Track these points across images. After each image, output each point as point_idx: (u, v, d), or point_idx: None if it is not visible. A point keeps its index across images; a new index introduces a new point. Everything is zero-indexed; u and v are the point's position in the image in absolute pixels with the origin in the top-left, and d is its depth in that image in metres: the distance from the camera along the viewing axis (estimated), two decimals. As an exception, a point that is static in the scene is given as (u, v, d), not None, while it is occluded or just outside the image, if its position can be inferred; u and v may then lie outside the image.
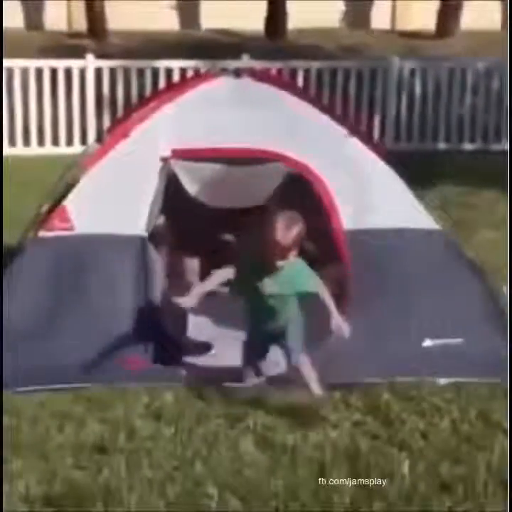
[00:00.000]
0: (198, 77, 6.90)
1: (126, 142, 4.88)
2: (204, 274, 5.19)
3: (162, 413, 4.08)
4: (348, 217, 4.76)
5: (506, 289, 5.21)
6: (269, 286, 4.21)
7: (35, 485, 3.51)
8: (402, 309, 4.69)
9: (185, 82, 7.01)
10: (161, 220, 5.12)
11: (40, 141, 10.43)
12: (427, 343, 4.63)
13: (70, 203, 4.77)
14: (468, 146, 10.80)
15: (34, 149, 10.40)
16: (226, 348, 4.72)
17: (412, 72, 10.86)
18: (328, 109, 5.37)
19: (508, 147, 9.91)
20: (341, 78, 10.66)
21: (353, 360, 4.47)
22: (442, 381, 4.42)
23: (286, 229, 4.08)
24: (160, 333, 4.60)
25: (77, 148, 10.18)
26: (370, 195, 4.85)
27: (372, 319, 4.61)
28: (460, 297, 4.77)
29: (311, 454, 3.76)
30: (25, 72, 10.34)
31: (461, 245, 5.12)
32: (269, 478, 3.57)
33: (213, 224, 5.67)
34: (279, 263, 4.14)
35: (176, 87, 6.02)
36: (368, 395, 4.29)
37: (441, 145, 10.79)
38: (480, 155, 10.38)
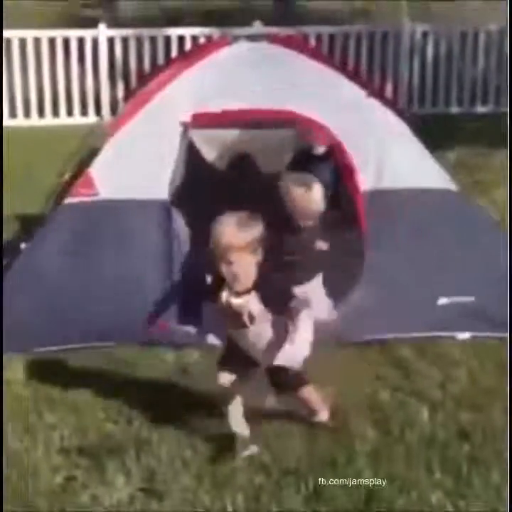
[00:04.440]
0: (214, 43, 6.93)
1: (147, 109, 4.96)
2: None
3: (188, 370, 4.21)
4: (366, 177, 4.82)
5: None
6: None
7: (70, 437, 3.68)
8: (419, 268, 4.74)
9: (202, 48, 7.02)
10: (182, 185, 5.19)
11: (55, 112, 10.49)
12: (442, 301, 4.69)
13: (93, 169, 4.85)
14: (480, 109, 10.80)
15: (49, 120, 10.46)
16: None
17: (425, 36, 10.85)
18: (344, 71, 5.42)
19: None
20: (353, 43, 10.66)
21: (369, 318, 4.55)
22: (460, 336, 4.53)
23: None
24: (183, 299, 4.62)
25: (91, 118, 10.27)
26: (388, 155, 4.90)
27: (389, 278, 4.67)
28: (477, 256, 4.81)
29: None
30: (37, 42, 10.38)
31: (477, 205, 5.18)
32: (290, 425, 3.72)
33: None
34: None
35: (192, 54, 6.05)
36: (386, 350, 4.42)
37: (454, 108, 10.80)
38: (493, 117, 10.38)
